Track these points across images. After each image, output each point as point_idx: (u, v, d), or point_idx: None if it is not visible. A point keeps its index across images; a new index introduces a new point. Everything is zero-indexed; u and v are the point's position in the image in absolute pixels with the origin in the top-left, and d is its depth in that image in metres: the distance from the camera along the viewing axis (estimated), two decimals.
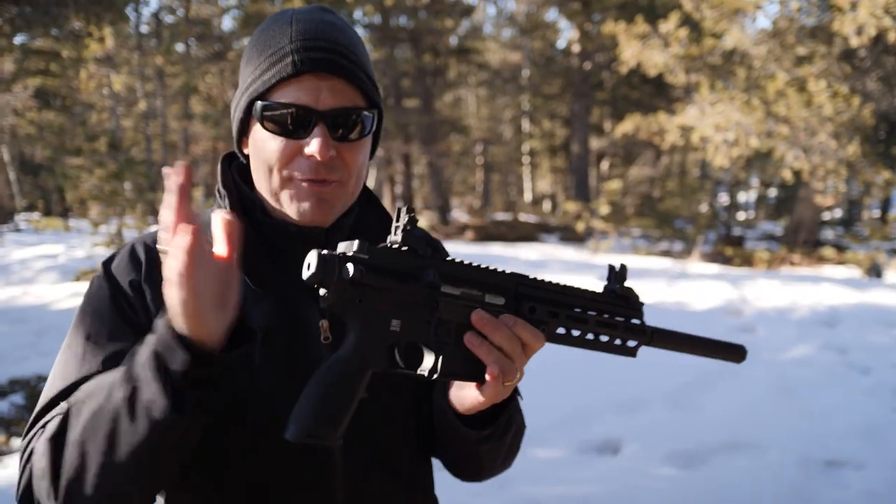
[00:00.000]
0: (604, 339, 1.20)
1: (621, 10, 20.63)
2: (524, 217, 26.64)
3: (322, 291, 0.96)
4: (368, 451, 1.27)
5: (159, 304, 1.13)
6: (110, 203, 12.32)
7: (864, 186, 14.46)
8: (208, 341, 0.94)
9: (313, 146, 1.15)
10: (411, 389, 1.34)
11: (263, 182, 1.22)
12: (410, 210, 1.02)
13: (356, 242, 0.98)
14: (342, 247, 0.99)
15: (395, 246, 1.01)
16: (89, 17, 8.43)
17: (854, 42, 11.65)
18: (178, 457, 1.03)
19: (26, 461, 1.08)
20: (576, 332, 1.18)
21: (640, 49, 14.69)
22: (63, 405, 1.07)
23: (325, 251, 0.96)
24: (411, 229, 1.02)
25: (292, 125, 1.16)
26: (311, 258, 0.95)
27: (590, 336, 1.19)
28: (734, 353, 1.32)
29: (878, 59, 13.54)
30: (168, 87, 21.34)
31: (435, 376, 1.05)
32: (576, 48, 24.44)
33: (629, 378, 5.88)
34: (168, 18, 21.36)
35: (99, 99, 22.86)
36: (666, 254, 17.79)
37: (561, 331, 1.16)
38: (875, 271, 13.80)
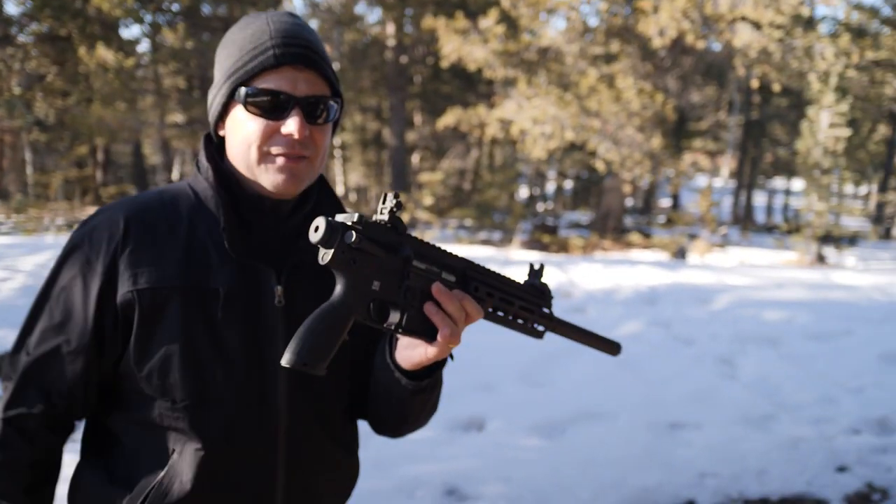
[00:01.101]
0: (520, 321, 1.44)
1: (438, 5, 21.02)
2: None
3: (323, 251, 1.13)
4: (312, 409, 1.45)
5: (138, 271, 1.34)
6: None
7: (665, 176, 15.70)
8: None
9: (291, 125, 1.33)
10: (349, 359, 1.50)
11: (241, 158, 1.39)
12: (396, 196, 1.22)
13: (355, 215, 1.15)
14: (342, 218, 1.15)
15: (382, 222, 1.20)
16: None
17: (657, 43, 12.64)
18: None
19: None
20: (501, 313, 1.41)
21: (460, 44, 15.10)
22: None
23: (331, 218, 1.12)
24: (396, 211, 1.21)
25: (272, 108, 1.34)
26: (320, 223, 1.11)
27: (511, 317, 1.42)
28: (611, 347, 1.60)
29: (677, 59, 14.79)
30: None
31: (400, 331, 1.25)
32: (391, 42, 24.64)
33: (482, 361, 6.07)
34: None
35: None
36: (486, 242, 18.43)
37: (490, 310, 1.38)
38: (681, 254, 15.12)
